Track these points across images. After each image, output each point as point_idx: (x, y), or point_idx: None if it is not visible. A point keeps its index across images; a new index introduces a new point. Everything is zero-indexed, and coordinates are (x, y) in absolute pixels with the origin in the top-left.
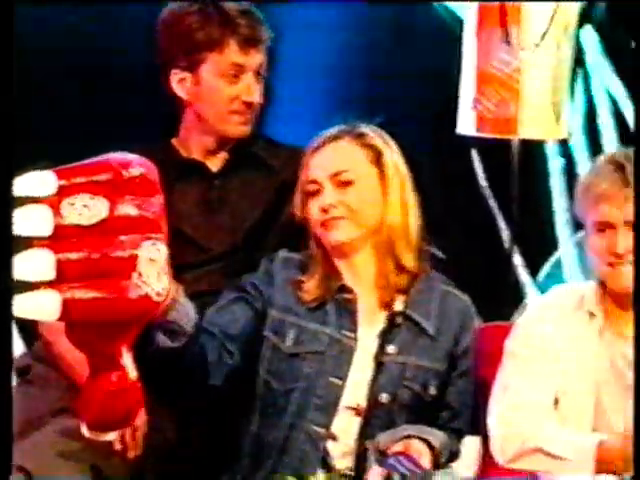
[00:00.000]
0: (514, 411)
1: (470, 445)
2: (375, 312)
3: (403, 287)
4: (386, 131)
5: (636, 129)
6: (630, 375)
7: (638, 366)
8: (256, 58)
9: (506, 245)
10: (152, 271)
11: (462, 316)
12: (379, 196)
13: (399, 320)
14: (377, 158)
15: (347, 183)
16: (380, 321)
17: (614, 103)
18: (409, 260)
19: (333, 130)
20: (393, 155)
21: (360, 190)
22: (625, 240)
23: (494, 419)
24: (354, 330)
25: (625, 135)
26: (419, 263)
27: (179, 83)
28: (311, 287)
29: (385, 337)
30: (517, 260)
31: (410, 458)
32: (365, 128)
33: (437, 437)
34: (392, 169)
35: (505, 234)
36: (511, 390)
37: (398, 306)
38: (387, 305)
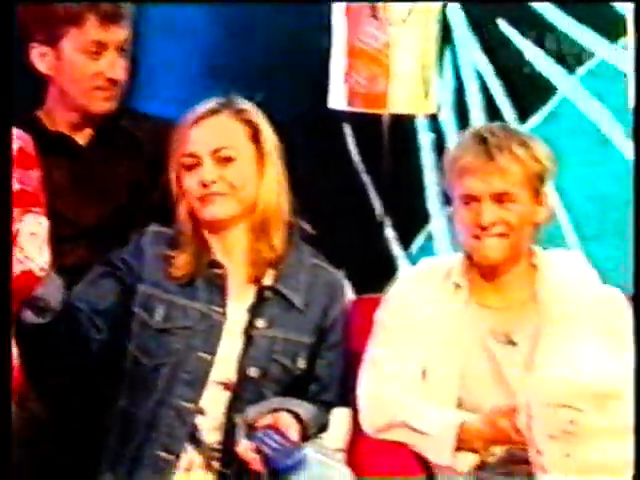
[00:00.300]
0: (382, 383)
1: (340, 417)
2: (245, 287)
3: (273, 262)
4: (258, 105)
5: (635, 125)
6: (494, 345)
7: (638, 367)
8: (118, 34)
9: (378, 219)
10: (34, 245)
11: (331, 289)
12: (256, 173)
13: (268, 294)
14: (255, 134)
15: (228, 159)
16: (250, 296)
17: (481, 78)
18: (280, 236)
19: (211, 104)
20: (269, 131)
21: (240, 167)
22: (489, 212)
23: (363, 391)
24: (223, 305)
25: (492, 110)
26: (290, 238)
27: (40, 57)
28: (181, 262)
29: (254, 311)
30: (389, 233)
31: (278, 431)
32: (243, 103)
33: (306, 409)
34: (269, 146)
35: (377, 208)
36: (379, 362)
37: (267, 280)
38: (257, 280)
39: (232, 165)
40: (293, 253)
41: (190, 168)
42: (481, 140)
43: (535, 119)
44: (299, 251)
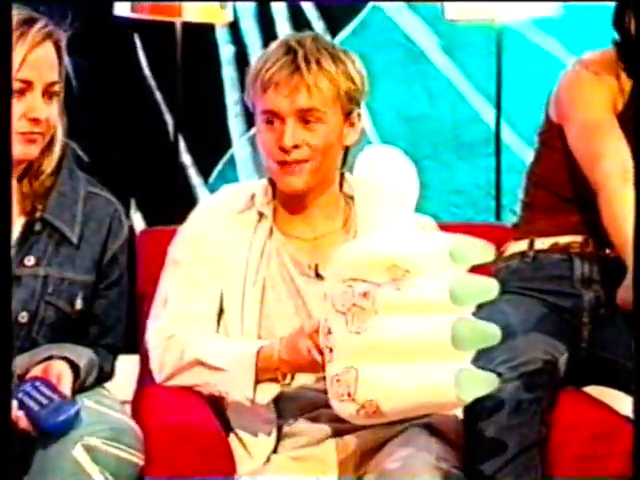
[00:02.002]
0: (175, 323)
1: (127, 364)
2: (14, 221)
3: (42, 192)
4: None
5: (635, 124)
6: (300, 279)
7: (638, 364)
8: None
9: (173, 142)
10: None
11: (110, 220)
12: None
13: (38, 227)
14: (62, 64)
15: (53, 95)
16: (17, 230)
17: None
18: (49, 165)
19: (35, 31)
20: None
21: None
22: (292, 133)
23: (153, 334)
24: None
25: (299, 21)
26: (63, 165)
27: None
28: None
29: (21, 247)
30: (186, 160)
31: (47, 383)
32: (50, 25)
33: (82, 355)
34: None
35: (171, 130)
36: (172, 301)
37: (37, 212)
38: (26, 212)
39: (55, 101)
40: (66, 182)
41: (20, 94)
42: (288, 51)
43: (345, 31)
44: (74, 179)
